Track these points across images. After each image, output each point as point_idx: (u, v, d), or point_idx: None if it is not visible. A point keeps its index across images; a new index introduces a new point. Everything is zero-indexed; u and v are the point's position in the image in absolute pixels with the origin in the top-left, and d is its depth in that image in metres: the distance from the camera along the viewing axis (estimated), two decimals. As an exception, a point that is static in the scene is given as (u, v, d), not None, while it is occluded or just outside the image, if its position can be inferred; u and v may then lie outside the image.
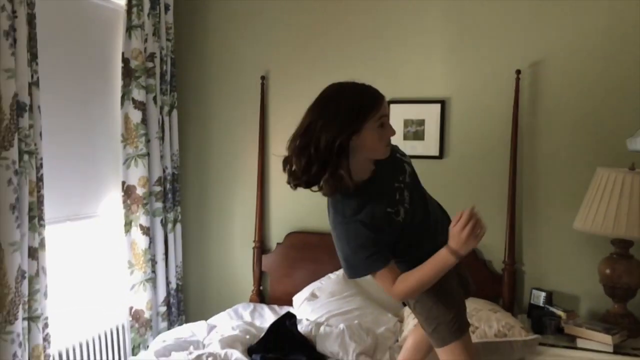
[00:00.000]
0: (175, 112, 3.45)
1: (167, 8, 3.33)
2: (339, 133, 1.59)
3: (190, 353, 2.29)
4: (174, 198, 3.45)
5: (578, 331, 2.47)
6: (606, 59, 2.83)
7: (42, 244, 2.46)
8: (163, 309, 3.32)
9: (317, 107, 1.66)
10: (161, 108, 3.31)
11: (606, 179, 2.54)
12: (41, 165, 2.47)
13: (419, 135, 3.16)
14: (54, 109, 2.74)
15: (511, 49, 2.97)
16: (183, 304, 3.58)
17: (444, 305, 1.84)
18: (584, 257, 2.86)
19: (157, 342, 2.54)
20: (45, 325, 2.48)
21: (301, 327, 2.58)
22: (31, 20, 2.41)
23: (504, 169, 2.98)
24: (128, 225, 3.17)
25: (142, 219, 3.18)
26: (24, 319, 2.36)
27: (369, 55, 3.23)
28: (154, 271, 3.27)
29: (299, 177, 1.66)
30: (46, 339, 2.48)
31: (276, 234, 3.50)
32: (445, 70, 3.11)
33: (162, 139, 3.32)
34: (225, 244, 3.63)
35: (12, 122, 2.28)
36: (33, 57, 2.42)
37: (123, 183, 3.15)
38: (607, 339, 2.37)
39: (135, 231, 3.18)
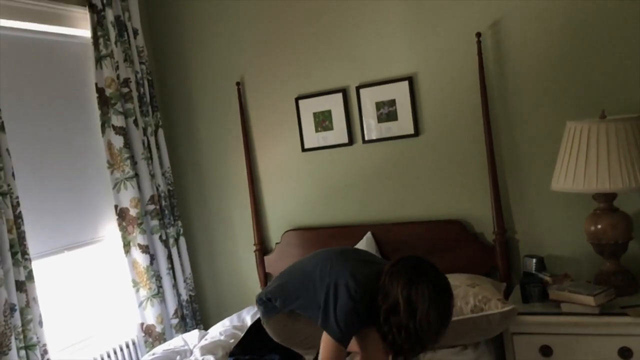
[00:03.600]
0: (161, 131, 3.55)
1: (135, 33, 3.43)
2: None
3: (166, 364, 2.37)
4: (173, 214, 3.56)
5: (562, 295, 2.34)
6: (567, 9, 2.66)
7: (29, 276, 2.61)
8: (175, 321, 3.43)
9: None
10: (144, 129, 3.42)
11: (575, 132, 2.39)
12: (17, 203, 2.62)
13: (392, 116, 3.10)
14: (35, 147, 2.92)
15: (469, 11, 2.86)
16: (199, 313, 3.68)
17: None
18: (573, 217, 2.70)
19: (146, 357, 2.63)
20: (45, 352, 2.63)
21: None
22: (-14, 70, 2.57)
23: (481, 137, 2.87)
24: (127, 246, 3.30)
25: (140, 238, 3.30)
26: (20, 348, 2.52)
27: (334, 46, 3.20)
28: (160, 286, 3.39)
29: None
30: (47, 364, 2.64)
31: (275, 234, 3.53)
32: (407, 45, 3.03)
33: (150, 159, 3.43)
34: (230, 250, 3.71)
35: (-21, 168, 2.44)
36: (-7, 104, 2.58)
37: (116, 207, 3.28)
38: (590, 300, 2.24)
39: (135, 251, 3.30)
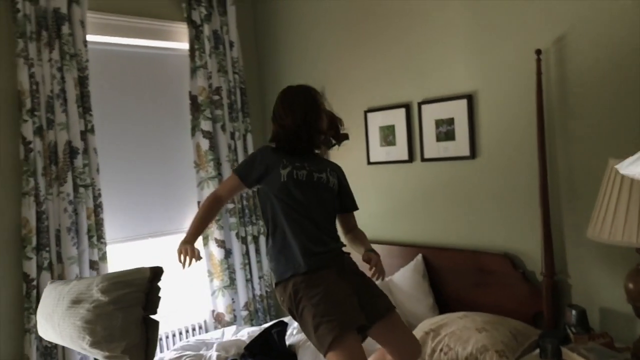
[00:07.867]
0: (250, 136, 3.83)
1: (231, 45, 3.74)
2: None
3: (179, 353, 2.60)
4: (255, 213, 3.82)
5: (571, 357, 2.04)
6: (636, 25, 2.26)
7: (102, 257, 3.08)
8: (245, 313, 3.70)
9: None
10: (232, 134, 3.72)
11: (614, 171, 2.04)
12: (99, 195, 3.09)
13: (450, 135, 2.94)
14: (129, 148, 3.39)
15: (531, 26, 2.58)
16: (274, 309, 3.90)
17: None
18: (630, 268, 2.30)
19: (181, 343, 2.91)
20: (110, 323, 3.08)
21: (293, 337, 2.66)
22: (83, 81, 3.06)
23: (536, 165, 2.58)
24: (205, 239, 3.65)
25: (217, 233, 3.62)
26: (87, 317, 2.99)
27: (402, 61, 3.16)
28: (234, 279, 3.68)
29: None
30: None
31: (342, 244, 3.58)
32: (468, 62, 2.85)
33: (235, 161, 3.73)
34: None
35: (66, 163, 2.94)
36: (86, 110, 3.06)
37: (198, 203, 3.64)
38: (595, 370, 1.92)
39: (212, 244, 3.64)
